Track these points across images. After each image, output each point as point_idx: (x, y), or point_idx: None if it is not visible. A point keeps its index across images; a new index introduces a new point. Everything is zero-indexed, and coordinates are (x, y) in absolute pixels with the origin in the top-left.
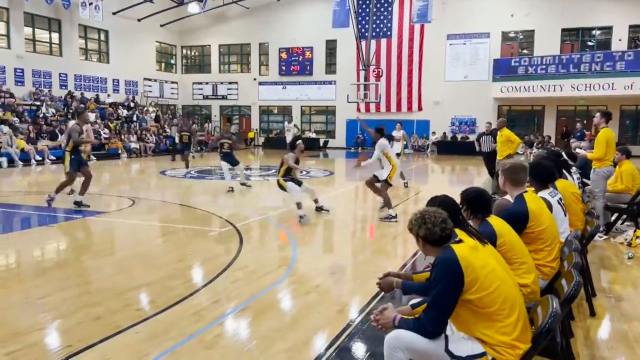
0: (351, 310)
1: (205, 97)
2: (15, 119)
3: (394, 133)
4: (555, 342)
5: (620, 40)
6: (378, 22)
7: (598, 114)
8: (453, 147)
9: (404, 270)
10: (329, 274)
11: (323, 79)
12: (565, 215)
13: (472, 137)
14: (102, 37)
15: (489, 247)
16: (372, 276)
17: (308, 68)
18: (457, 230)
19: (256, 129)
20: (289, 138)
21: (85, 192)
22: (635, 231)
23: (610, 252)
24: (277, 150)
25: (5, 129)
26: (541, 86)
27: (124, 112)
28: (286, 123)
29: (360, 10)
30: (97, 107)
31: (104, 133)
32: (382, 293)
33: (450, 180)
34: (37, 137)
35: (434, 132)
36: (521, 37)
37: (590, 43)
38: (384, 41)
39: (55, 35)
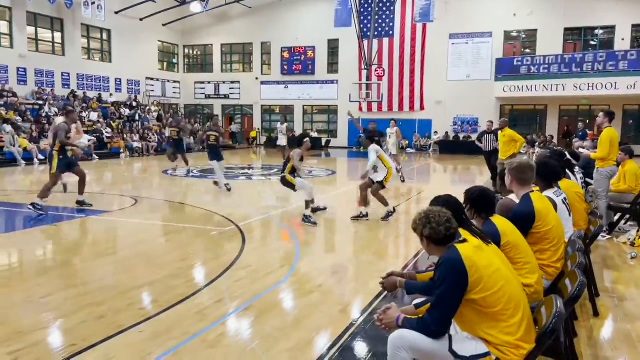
0: (354, 310)
1: (208, 97)
2: (18, 118)
3: (388, 130)
4: (559, 342)
5: (623, 39)
6: (380, 21)
7: (601, 114)
8: (455, 147)
9: (406, 270)
10: (332, 273)
11: (325, 78)
12: (570, 215)
13: (474, 137)
14: (105, 36)
15: (493, 247)
16: (374, 276)
17: (310, 67)
18: (461, 230)
19: (258, 129)
20: (281, 139)
21: (84, 191)
22: (638, 231)
23: (613, 252)
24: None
25: (8, 128)
26: (544, 86)
27: (126, 112)
28: (279, 124)
29: (362, 10)
30: (99, 107)
31: (107, 132)
32: (385, 293)
33: (452, 179)
34: (39, 136)
35: (436, 132)
36: (524, 36)
37: (592, 42)
38: (386, 40)
39: (57, 35)
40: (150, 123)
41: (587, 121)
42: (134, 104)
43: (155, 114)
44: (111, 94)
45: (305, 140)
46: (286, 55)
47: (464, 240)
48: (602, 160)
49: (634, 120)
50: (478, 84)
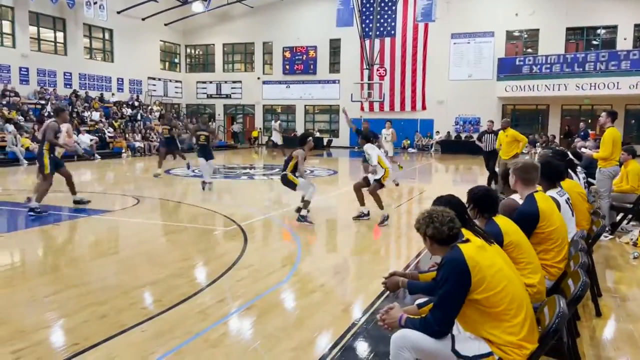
0: (356, 310)
1: (209, 96)
2: (20, 117)
3: (383, 131)
4: (561, 342)
5: (625, 39)
6: (382, 21)
7: (604, 114)
8: (457, 147)
9: (408, 270)
10: (334, 273)
11: (327, 78)
12: (573, 215)
13: (476, 137)
14: (107, 36)
15: (496, 247)
16: (376, 275)
17: (312, 67)
18: (464, 230)
19: (260, 128)
20: (275, 136)
21: (75, 190)
22: None
23: (616, 252)
24: (281, 149)
25: (10, 127)
26: (546, 85)
27: (128, 111)
28: (272, 122)
29: (364, 9)
30: (101, 106)
31: (109, 132)
32: (387, 292)
33: (454, 179)
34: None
35: (437, 132)
36: (526, 36)
37: (595, 42)
38: (388, 40)
39: (60, 34)
40: (152, 123)
41: (589, 121)
42: (136, 103)
43: (157, 114)
44: (113, 94)
45: (308, 139)
46: (288, 55)
47: (467, 240)
48: (605, 160)
49: (636, 120)
50: (480, 84)
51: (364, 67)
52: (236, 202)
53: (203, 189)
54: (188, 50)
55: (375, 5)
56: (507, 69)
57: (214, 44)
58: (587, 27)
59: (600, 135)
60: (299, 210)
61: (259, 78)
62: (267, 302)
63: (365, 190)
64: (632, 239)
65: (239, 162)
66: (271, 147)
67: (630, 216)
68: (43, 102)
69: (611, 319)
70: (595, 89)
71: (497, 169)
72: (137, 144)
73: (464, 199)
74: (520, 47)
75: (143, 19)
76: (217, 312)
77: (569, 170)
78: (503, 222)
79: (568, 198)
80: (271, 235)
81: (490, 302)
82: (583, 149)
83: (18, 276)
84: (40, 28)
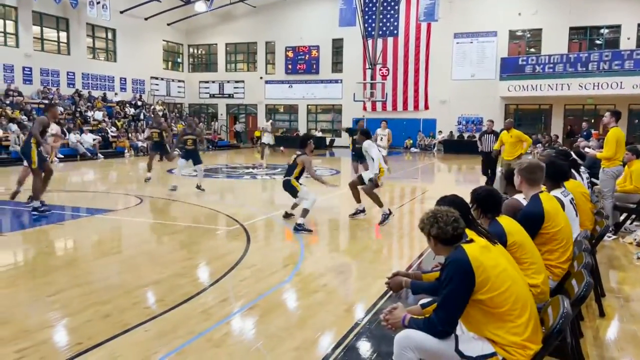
0: (359, 310)
1: (212, 96)
2: (24, 117)
3: (379, 131)
4: (565, 343)
5: (628, 38)
6: (385, 20)
7: (608, 113)
8: (460, 146)
9: (410, 270)
10: (336, 273)
11: (329, 77)
12: (577, 216)
13: (477, 137)
14: (110, 35)
15: (500, 247)
16: (379, 275)
17: (314, 67)
18: (467, 230)
19: (262, 128)
20: (267, 137)
21: (44, 191)
22: None
23: (619, 252)
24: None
25: (14, 127)
26: (549, 85)
27: (131, 111)
28: (264, 122)
29: (366, 9)
30: (104, 106)
31: (111, 131)
32: (390, 292)
33: (456, 179)
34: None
35: (440, 131)
36: (528, 35)
37: (598, 42)
38: (390, 40)
39: (63, 34)
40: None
41: (592, 121)
42: (139, 103)
43: (160, 114)
44: (116, 93)
45: (309, 141)
46: (290, 54)
47: (471, 241)
48: (608, 160)
49: None
50: (483, 84)
51: (367, 66)
52: (239, 202)
53: (202, 189)
54: (191, 49)
55: (377, 5)
56: (509, 68)
57: (216, 44)
58: (591, 26)
59: (603, 135)
60: (287, 215)
61: (261, 78)
62: (270, 302)
63: (361, 189)
64: (635, 239)
65: (241, 162)
66: (263, 147)
67: (633, 216)
68: (46, 101)
69: (615, 319)
70: (598, 88)
71: (499, 171)
72: (140, 144)
73: (467, 199)
74: (523, 47)
75: (146, 19)
76: (220, 311)
77: (573, 171)
78: (506, 222)
79: (572, 198)
80: (274, 235)
81: (494, 303)
82: (586, 149)
83: (21, 275)
84: (44, 28)
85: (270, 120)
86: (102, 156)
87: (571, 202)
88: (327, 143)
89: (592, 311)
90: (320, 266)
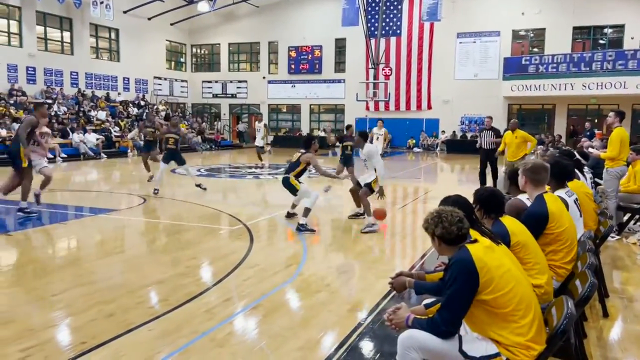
0: (362, 310)
1: (215, 96)
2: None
3: (375, 130)
4: (569, 343)
5: (632, 38)
6: (387, 20)
7: (612, 113)
8: (463, 146)
9: (413, 270)
10: (339, 273)
11: (332, 77)
12: (581, 216)
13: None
14: (113, 35)
15: (503, 247)
16: (382, 275)
17: (317, 67)
18: (471, 231)
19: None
20: (258, 138)
21: (10, 192)
22: None
23: (623, 252)
24: (286, 149)
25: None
26: (552, 85)
27: (134, 111)
28: (257, 122)
29: (369, 9)
30: (107, 106)
31: (115, 131)
32: (393, 293)
33: (459, 179)
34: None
35: (443, 131)
36: (532, 35)
37: (602, 41)
38: (393, 39)
39: (66, 34)
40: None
41: (596, 121)
42: (142, 103)
43: (163, 113)
44: (119, 93)
45: (313, 141)
46: (293, 54)
47: (475, 241)
48: (612, 160)
49: None
50: (486, 83)
51: (370, 66)
52: (242, 202)
53: (203, 188)
54: (194, 49)
55: (380, 4)
56: (513, 68)
57: (219, 44)
58: (594, 26)
59: (607, 135)
60: (289, 215)
61: (264, 77)
62: (273, 302)
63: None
64: (639, 240)
65: (244, 162)
66: (259, 150)
67: (637, 216)
68: (50, 101)
69: (618, 319)
70: (602, 88)
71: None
72: (143, 144)
73: (470, 199)
74: (527, 47)
75: (149, 19)
76: (223, 311)
77: (576, 171)
78: (510, 222)
79: (576, 199)
80: (277, 235)
81: (498, 303)
82: (590, 149)
83: (26, 275)
84: (47, 28)
85: (264, 122)
86: (105, 156)
87: (575, 203)
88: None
89: (595, 312)
90: (323, 266)
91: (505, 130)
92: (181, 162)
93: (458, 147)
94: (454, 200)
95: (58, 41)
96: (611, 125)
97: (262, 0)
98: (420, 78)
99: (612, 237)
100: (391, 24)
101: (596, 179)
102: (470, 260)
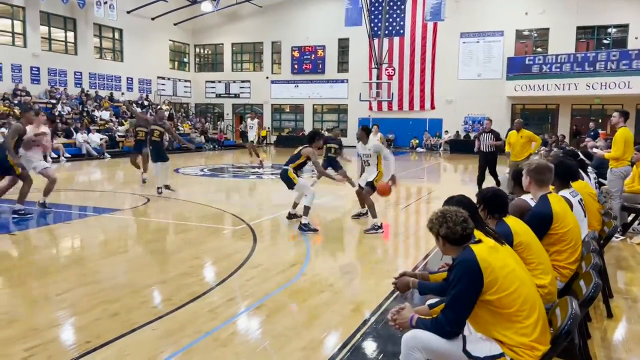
0: (366, 310)
1: (218, 96)
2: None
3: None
4: (573, 344)
5: (636, 38)
6: (391, 20)
7: (616, 114)
8: (466, 146)
9: (416, 270)
10: (342, 273)
11: (335, 77)
12: (585, 216)
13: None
14: (117, 35)
15: (507, 248)
16: (385, 275)
17: (320, 66)
18: (475, 231)
19: (268, 128)
20: (251, 135)
21: (6, 193)
22: None
23: (627, 252)
24: (289, 149)
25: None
26: (555, 85)
27: (137, 110)
28: (249, 120)
29: (372, 9)
30: (111, 105)
31: (118, 131)
32: (396, 293)
33: (462, 179)
34: (52, 135)
35: (446, 131)
36: (535, 35)
37: (605, 41)
38: (396, 39)
39: (70, 34)
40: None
41: (600, 121)
42: (145, 102)
43: (167, 113)
44: (123, 93)
45: (317, 138)
46: (296, 54)
47: (479, 241)
48: (616, 160)
49: None
50: (489, 83)
51: (373, 66)
52: (245, 202)
53: (159, 193)
54: (197, 49)
55: (384, 4)
56: (516, 68)
57: (222, 44)
58: (598, 26)
59: (611, 135)
60: (290, 217)
61: (267, 77)
62: (277, 302)
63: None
64: None
65: (247, 162)
66: (250, 147)
67: None
68: (54, 101)
69: (622, 320)
70: (605, 88)
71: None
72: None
73: (474, 199)
74: (530, 47)
75: (152, 19)
76: (227, 311)
77: (580, 171)
78: (513, 222)
79: (581, 199)
80: (280, 235)
81: (502, 303)
82: (594, 149)
83: (30, 274)
84: (51, 28)
85: (257, 119)
86: (109, 156)
87: (580, 203)
88: None
89: (599, 312)
90: (327, 266)
91: (510, 130)
92: (163, 158)
93: (461, 147)
94: (458, 201)
95: (62, 41)
96: (615, 125)
97: (265, 0)
98: (424, 78)
99: (617, 238)
100: (394, 23)
101: (600, 179)
102: (474, 261)
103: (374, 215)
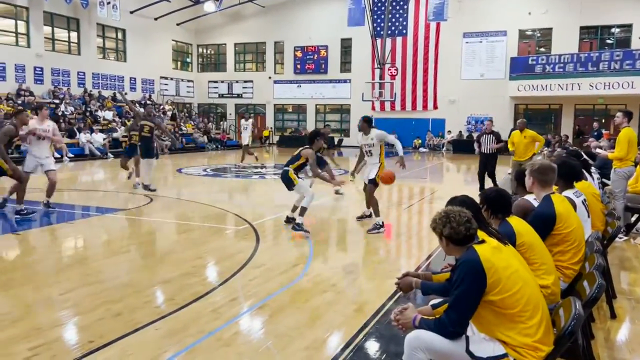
0: (368, 310)
1: (221, 96)
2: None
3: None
4: (577, 345)
5: None
6: (394, 20)
7: (620, 114)
8: (469, 146)
9: (419, 270)
10: (345, 273)
11: (338, 77)
12: (589, 217)
13: (475, 138)
14: (120, 35)
15: (511, 248)
16: (388, 276)
17: (323, 67)
18: (478, 231)
19: (271, 128)
20: (245, 138)
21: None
22: None
23: (631, 253)
24: (292, 149)
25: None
26: (559, 85)
27: (140, 111)
28: (243, 121)
29: (375, 9)
30: (114, 105)
31: (121, 131)
32: (399, 293)
33: (465, 179)
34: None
35: (449, 131)
36: (539, 35)
37: (609, 41)
38: (399, 39)
39: (73, 34)
40: (165, 122)
41: (603, 121)
42: (148, 103)
43: (170, 113)
44: (126, 93)
45: (317, 138)
46: (299, 54)
47: (482, 241)
48: (620, 160)
49: None
50: (492, 83)
51: (375, 66)
52: (248, 201)
53: (152, 189)
54: (200, 49)
55: (386, 4)
56: (519, 68)
57: (225, 44)
58: (601, 25)
59: (615, 135)
60: (288, 220)
61: (270, 77)
62: (279, 302)
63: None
64: None
65: (250, 162)
66: (244, 150)
67: None
68: (57, 101)
69: (626, 321)
70: (609, 88)
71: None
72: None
73: (477, 200)
74: (533, 46)
75: (155, 19)
76: (230, 311)
77: (583, 171)
78: (516, 222)
79: (584, 199)
80: (283, 235)
81: (505, 304)
82: (598, 149)
83: (33, 274)
84: (55, 28)
85: (250, 120)
86: (112, 155)
87: (583, 203)
88: (336, 143)
89: (603, 313)
90: (329, 266)
91: (513, 129)
92: (149, 154)
93: (464, 147)
94: (461, 201)
95: (65, 41)
96: (619, 126)
97: (268, 1)
98: (427, 78)
99: (620, 238)
100: (397, 23)
101: (604, 180)
102: (477, 261)
103: (377, 214)
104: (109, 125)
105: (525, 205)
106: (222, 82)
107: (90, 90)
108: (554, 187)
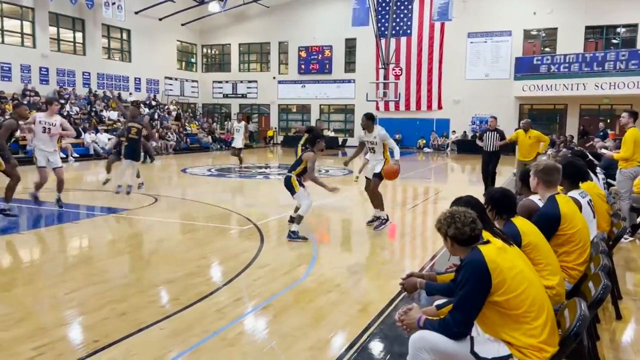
0: (373, 310)
1: (225, 96)
2: None
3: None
4: (582, 345)
5: None
6: (398, 20)
7: (626, 114)
8: (473, 146)
9: (424, 271)
10: (350, 273)
11: (342, 77)
12: (594, 217)
13: (478, 135)
14: (125, 36)
15: (516, 249)
16: (392, 276)
17: (327, 67)
18: (483, 232)
19: (275, 128)
20: (237, 139)
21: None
22: None
23: (636, 254)
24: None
25: None
26: (564, 85)
27: (145, 111)
28: (235, 122)
29: (380, 9)
30: (119, 106)
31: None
32: (404, 293)
33: (470, 179)
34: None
35: (454, 131)
36: (543, 35)
37: (614, 41)
38: (403, 39)
39: (79, 35)
40: (169, 122)
41: (608, 121)
42: (153, 103)
43: (174, 113)
44: (130, 93)
45: (318, 140)
46: (303, 54)
47: (487, 242)
48: (626, 160)
49: None
50: (497, 83)
51: (380, 66)
52: (252, 202)
53: (127, 193)
54: (204, 50)
55: (391, 4)
56: (524, 68)
57: (230, 44)
58: (607, 25)
59: (620, 135)
60: (292, 220)
61: (274, 78)
62: (284, 302)
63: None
64: None
65: (254, 162)
66: (236, 152)
67: None
68: (62, 101)
69: (631, 322)
70: (614, 88)
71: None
72: (154, 143)
73: (484, 200)
74: (538, 46)
75: (160, 19)
76: (234, 311)
77: (589, 171)
78: (521, 223)
79: (590, 200)
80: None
81: (510, 305)
82: (603, 150)
83: (38, 274)
84: (60, 28)
85: (243, 122)
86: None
87: (589, 204)
88: (340, 143)
89: (608, 314)
90: (334, 266)
91: (517, 129)
92: (137, 157)
93: (469, 147)
94: (466, 201)
95: (70, 42)
96: (625, 126)
97: (272, 1)
98: (431, 78)
99: (625, 239)
100: (401, 23)
101: (609, 180)
102: (482, 262)
103: (382, 208)
104: (114, 125)
105: (530, 205)
106: (227, 82)
107: (95, 91)
108: (560, 188)
